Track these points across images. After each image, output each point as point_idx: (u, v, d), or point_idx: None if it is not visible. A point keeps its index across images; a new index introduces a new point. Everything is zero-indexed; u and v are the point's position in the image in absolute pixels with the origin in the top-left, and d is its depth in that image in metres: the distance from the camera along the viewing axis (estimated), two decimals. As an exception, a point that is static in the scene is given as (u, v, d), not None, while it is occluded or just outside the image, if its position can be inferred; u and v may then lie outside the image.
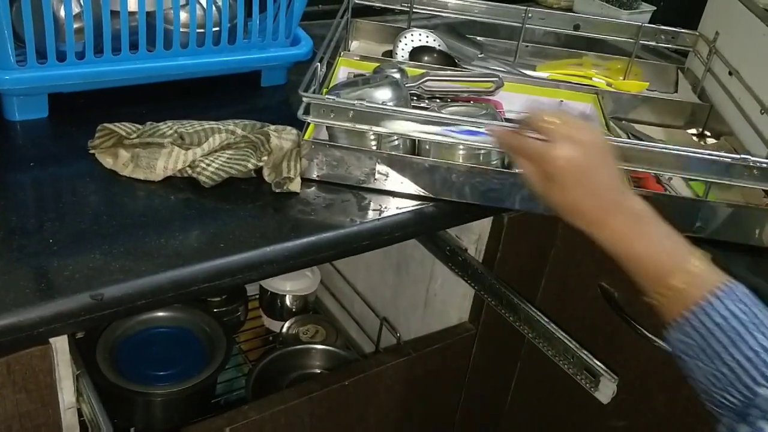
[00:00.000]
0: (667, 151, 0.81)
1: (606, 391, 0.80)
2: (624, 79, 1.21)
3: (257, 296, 1.45)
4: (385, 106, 0.83)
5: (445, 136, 0.83)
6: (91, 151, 0.86)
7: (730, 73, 1.07)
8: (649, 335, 0.91)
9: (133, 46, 0.93)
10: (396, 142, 0.88)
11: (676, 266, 0.64)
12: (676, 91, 1.23)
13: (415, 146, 0.89)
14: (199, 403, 1.15)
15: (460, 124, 0.82)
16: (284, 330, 1.37)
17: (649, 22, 1.35)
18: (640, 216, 0.68)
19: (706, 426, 0.93)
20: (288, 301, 1.40)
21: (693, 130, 1.13)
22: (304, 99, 0.82)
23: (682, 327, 0.62)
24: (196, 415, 1.08)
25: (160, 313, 1.21)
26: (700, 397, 0.63)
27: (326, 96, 0.82)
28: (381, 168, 0.85)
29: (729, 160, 0.81)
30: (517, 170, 0.81)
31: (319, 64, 0.88)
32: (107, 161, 0.85)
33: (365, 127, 0.83)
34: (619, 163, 0.77)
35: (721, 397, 0.60)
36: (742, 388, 0.59)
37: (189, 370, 1.13)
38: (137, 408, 1.10)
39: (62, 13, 0.87)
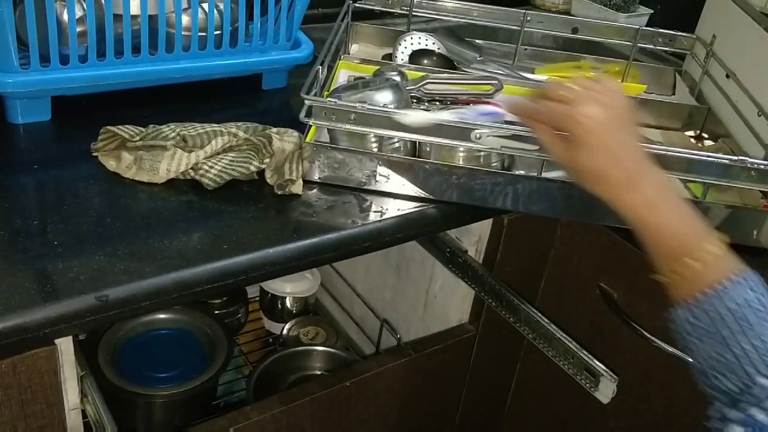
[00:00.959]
0: (665, 153, 0.82)
1: (606, 391, 0.81)
2: (622, 82, 1.22)
3: (257, 298, 1.45)
4: (386, 109, 0.84)
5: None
6: (94, 154, 0.86)
7: (727, 76, 1.08)
8: (649, 336, 0.91)
9: (136, 50, 0.93)
10: (397, 145, 0.89)
11: (695, 244, 0.62)
12: (673, 94, 1.23)
13: (415, 148, 0.90)
14: (201, 405, 1.15)
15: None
16: (285, 332, 1.37)
17: (647, 25, 1.35)
18: (665, 187, 0.66)
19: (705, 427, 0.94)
20: (288, 302, 1.41)
21: (691, 133, 1.13)
22: (306, 102, 0.83)
23: (691, 308, 0.61)
24: (197, 416, 1.08)
25: (161, 315, 1.21)
26: (694, 376, 0.63)
27: (328, 99, 0.83)
28: (382, 170, 0.86)
29: (727, 161, 0.82)
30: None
31: (320, 67, 0.89)
32: (110, 164, 0.85)
33: (367, 129, 0.84)
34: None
35: (717, 380, 0.60)
36: (742, 374, 0.58)
37: (190, 371, 1.14)
38: (138, 410, 1.10)
39: (65, 16, 0.87)
